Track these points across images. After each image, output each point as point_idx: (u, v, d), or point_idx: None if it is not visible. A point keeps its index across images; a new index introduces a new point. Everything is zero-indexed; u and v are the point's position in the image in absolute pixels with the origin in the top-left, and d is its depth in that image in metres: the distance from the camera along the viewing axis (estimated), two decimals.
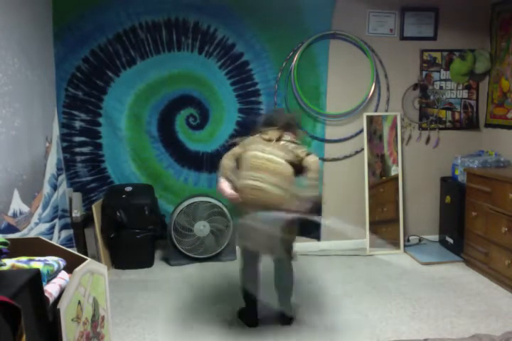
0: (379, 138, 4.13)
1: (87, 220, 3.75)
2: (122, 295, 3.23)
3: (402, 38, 4.06)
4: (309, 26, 3.91)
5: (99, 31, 3.74)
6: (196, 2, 3.77)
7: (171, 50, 3.85)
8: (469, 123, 4.26)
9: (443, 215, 4.21)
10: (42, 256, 1.85)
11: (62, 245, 2.23)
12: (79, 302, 1.80)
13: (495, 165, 3.73)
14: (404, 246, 4.13)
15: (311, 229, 3.02)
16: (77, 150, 3.91)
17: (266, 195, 2.51)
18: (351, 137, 4.12)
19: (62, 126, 3.81)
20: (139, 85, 3.86)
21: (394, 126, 4.13)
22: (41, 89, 3.23)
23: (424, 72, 4.14)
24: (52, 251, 1.98)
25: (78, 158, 3.91)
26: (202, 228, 3.79)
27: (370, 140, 4.11)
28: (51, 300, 1.67)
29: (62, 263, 1.87)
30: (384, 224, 4.14)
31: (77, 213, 3.70)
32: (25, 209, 2.77)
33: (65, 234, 3.60)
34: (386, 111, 4.14)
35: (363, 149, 4.11)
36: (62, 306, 1.64)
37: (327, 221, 3.69)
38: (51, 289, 1.71)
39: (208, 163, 4.03)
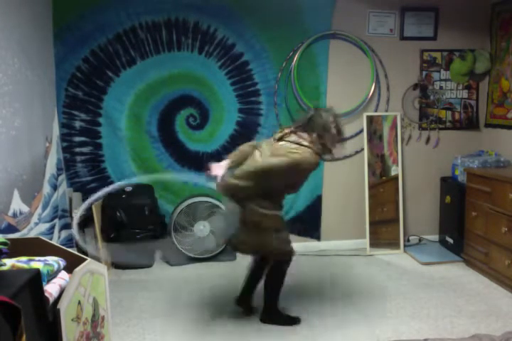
0: (379, 138, 4.13)
1: (87, 220, 3.75)
2: (122, 295, 3.23)
3: (402, 38, 4.06)
4: (309, 26, 3.91)
5: (99, 31, 3.74)
6: (196, 2, 3.77)
7: (171, 50, 3.85)
8: (469, 123, 4.26)
9: (443, 215, 4.21)
10: (42, 256, 1.85)
11: (62, 245, 2.24)
12: (79, 302, 1.80)
13: (495, 165, 3.73)
14: (404, 246, 4.13)
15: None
16: (77, 150, 3.90)
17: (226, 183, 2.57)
18: (351, 137, 4.12)
19: (62, 126, 3.81)
20: (139, 85, 3.86)
21: (394, 126, 4.13)
22: (41, 89, 3.23)
23: (424, 72, 4.14)
24: (52, 251, 1.98)
25: (78, 158, 3.91)
26: (202, 228, 3.79)
27: (370, 140, 4.11)
28: (51, 300, 1.67)
29: (62, 263, 1.87)
30: (384, 224, 4.14)
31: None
32: (25, 209, 2.77)
33: (65, 234, 3.60)
34: (386, 111, 4.14)
35: (363, 149, 4.11)
36: (62, 306, 1.64)
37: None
38: (51, 289, 1.71)
39: (208, 163, 4.02)
